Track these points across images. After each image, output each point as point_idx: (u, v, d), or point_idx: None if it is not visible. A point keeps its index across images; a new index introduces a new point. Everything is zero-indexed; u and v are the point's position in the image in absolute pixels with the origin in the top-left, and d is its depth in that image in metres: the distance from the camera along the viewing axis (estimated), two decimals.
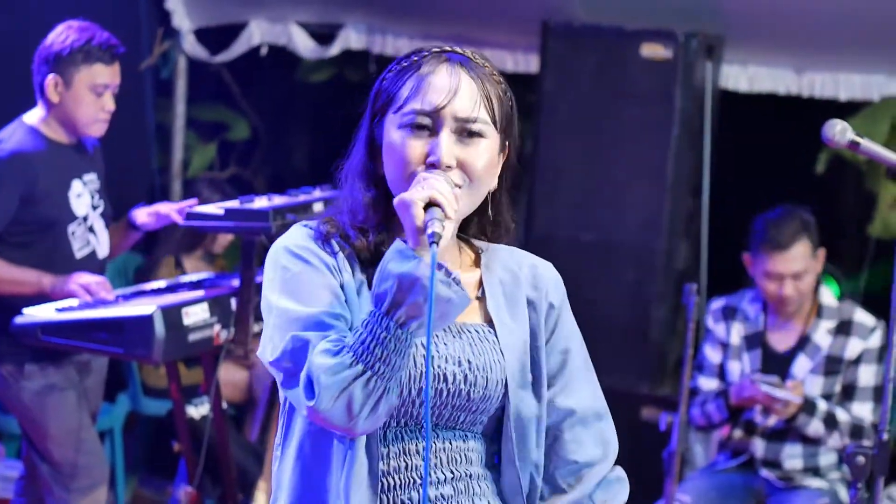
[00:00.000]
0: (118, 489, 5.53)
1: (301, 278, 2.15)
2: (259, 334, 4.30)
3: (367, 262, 2.20)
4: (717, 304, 4.80)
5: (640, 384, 5.50)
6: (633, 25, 5.49)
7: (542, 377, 2.27)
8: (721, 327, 4.74)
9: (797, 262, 4.54)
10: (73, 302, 4.17)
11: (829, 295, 4.67)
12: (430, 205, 2.07)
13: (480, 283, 2.29)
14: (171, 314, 3.99)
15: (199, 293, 4.24)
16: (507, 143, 2.25)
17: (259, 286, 4.23)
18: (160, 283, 4.52)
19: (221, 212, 4.13)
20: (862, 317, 4.62)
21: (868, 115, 5.79)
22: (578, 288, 5.28)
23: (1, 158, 4.18)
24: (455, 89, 2.16)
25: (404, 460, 2.17)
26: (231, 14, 6.62)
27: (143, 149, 6.48)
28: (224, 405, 4.52)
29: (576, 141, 5.61)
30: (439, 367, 2.17)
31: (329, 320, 2.11)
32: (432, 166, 2.14)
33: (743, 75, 5.86)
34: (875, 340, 4.58)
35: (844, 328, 4.61)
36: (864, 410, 4.55)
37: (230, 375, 5.59)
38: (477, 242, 2.33)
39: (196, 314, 4.09)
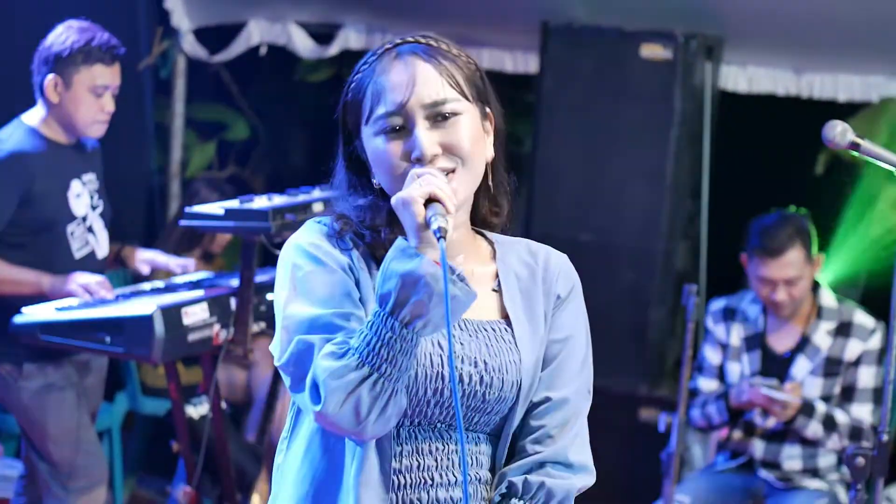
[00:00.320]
0: (116, 489, 5.53)
1: (311, 277, 2.13)
2: (258, 334, 4.31)
3: (383, 259, 2.13)
4: (717, 304, 4.80)
5: (639, 385, 5.50)
6: (632, 26, 5.50)
7: None
8: (721, 328, 4.75)
9: (790, 269, 4.54)
10: (73, 301, 4.17)
11: (828, 296, 4.67)
12: (429, 201, 2.04)
13: (496, 276, 2.26)
14: (171, 314, 3.98)
15: (199, 293, 4.24)
16: (487, 109, 2.22)
17: (259, 286, 4.25)
18: (159, 283, 4.52)
19: (221, 211, 4.13)
20: (862, 318, 4.62)
21: (867, 117, 5.79)
22: None
23: (0, 159, 4.18)
24: (412, 79, 2.13)
25: (417, 459, 2.14)
26: (230, 13, 6.62)
27: (142, 148, 6.48)
28: (223, 405, 4.52)
29: (575, 141, 5.61)
30: (455, 367, 2.12)
31: (338, 321, 2.08)
32: (419, 161, 2.11)
33: (742, 76, 5.87)
34: (875, 342, 4.58)
35: (844, 330, 4.61)
36: (863, 412, 4.55)
37: (229, 375, 5.59)
38: (490, 235, 2.30)
39: (195, 314, 4.08)
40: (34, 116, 4.31)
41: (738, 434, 4.70)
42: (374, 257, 2.18)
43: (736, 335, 4.72)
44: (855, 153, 3.00)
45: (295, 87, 7.08)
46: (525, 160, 5.84)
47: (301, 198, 4.28)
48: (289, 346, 2.09)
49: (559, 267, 2.30)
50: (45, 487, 4.35)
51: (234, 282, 4.33)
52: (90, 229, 4.40)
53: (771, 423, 4.59)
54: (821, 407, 4.51)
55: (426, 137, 2.12)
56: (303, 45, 6.55)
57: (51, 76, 4.24)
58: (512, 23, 6.04)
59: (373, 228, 2.18)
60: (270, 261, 4.20)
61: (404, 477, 2.14)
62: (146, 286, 4.46)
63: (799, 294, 4.58)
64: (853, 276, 5.77)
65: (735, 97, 5.88)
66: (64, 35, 4.26)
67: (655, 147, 5.48)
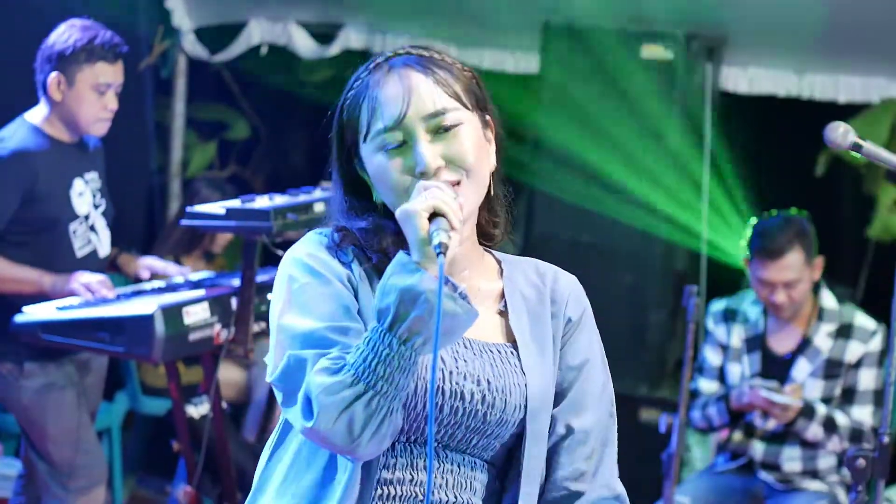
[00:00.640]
0: (116, 488, 5.53)
1: (307, 290, 2.06)
2: (259, 334, 4.31)
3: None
4: (718, 306, 4.80)
5: (639, 386, 5.50)
6: (633, 27, 5.50)
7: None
8: (721, 329, 4.75)
9: (789, 271, 4.54)
10: (74, 301, 4.17)
11: (829, 298, 4.67)
12: (433, 215, 1.97)
13: (502, 295, 2.19)
14: (172, 313, 3.98)
15: (200, 292, 4.24)
16: (486, 117, 2.16)
17: (260, 286, 4.24)
18: (160, 283, 4.52)
19: (223, 211, 4.13)
20: (862, 320, 4.62)
21: (868, 118, 5.79)
22: None
23: (2, 157, 4.18)
24: (408, 92, 2.07)
25: (410, 473, 2.08)
26: (231, 13, 6.62)
27: (143, 148, 6.48)
28: (223, 405, 4.51)
29: (576, 142, 5.61)
30: (457, 383, 2.06)
31: (333, 336, 2.02)
32: (423, 175, 2.05)
33: (743, 77, 5.86)
34: (875, 344, 4.58)
35: (845, 331, 4.61)
36: (863, 414, 4.55)
37: (229, 375, 5.59)
38: (497, 254, 2.24)
39: (196, 313, 4.08)
40: (37, 115, 4.31)
41: (738, 435, 4.70)
42: (378, 272, 2.09)
43: (736, 336, 4.72)
44: (857, 154, 3.00)
45: (296, 86, 7.08)
46: (525, 160, 5.84)
47: (302, 197, 4.28)
48: (281, 362, 2.03)
49: (569, 289, 2.24)
50: (45, 487, 4.35)
51: (235, 281, 4.33)
52: (92, 228, 4.40)
53: (771, 424, 4.59)
54: (821, 409, 4.51)
55: (428, 151, 2.05)
56: (303, 44, 6.55)
57: (54, 74, 4.24)
58: (513, 23, 6.04)
59: (381, 251, 2.11)
60: (272, 261, 4.20)
61: (395, 489, 2.07)
62: (147, 286, 4.46)
63: (798, 296, 4.58)
64: None
65: (736, 98, 5.88)
66: (67, 33, 4.26)
67: (656, 148, 5.48)
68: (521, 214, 5.67)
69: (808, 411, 4.49)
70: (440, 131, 2.07)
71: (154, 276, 4.80)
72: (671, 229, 5.49)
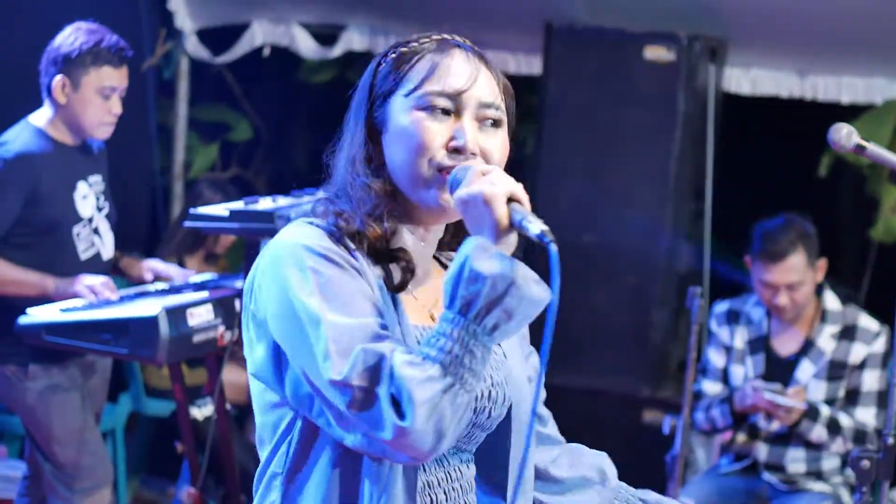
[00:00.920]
0: (120, 490, 5.53)
1: (337, 283, 1.91)
2: None
3: (381, 255, 2.02)
4: (721, 307, 4.80)
5: (642, 387, 5.50)
6: (636, 28, 5.50)
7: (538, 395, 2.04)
8: (725, 331, 4.74)
9: (792, 274, 4.54)
10: (78, 302, 4.17)
11: (833, 300, 4.67)
12: (509, 201, 1.90)
13: None
14: (176, 315, 3.99)
15: (204, 294, 4.24)
16: (510, 140, 2.12)
17: None
18: (164, 284, 4.52)
19: (226, 213, 4.12)
20: (866, 322, 4.62)
21: (870, 119, 5.79)
22: (580, 290, 5.32)
23: (6, 159, 4.18)
24: (476, 74, 2.03)
25: (448, 482, 2.04)
26: (233, 15, 6.62)
27: (145, 149, 6.48)
28: (227, 406, 4.52)
29: (578, 143, 5.61)
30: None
31: (383, 331, 1.88)
32: (456, 151, 1.99)
33: (746, 78, 5.87)
34: (879, 345, 4.58)
35: (848, 333, 4.61)
36: (867, 415, 4.55)
37: (233, 376, 5.57)
38: (444, 258, 2.18)
39: (200, 315, 4.08)
40: (41, 117, 4.31)
41: (741, 437, 4.69)
42: (372, 254, 2.01)
43: (740, 338, 4.72)
44: (860, 156, 3.00)
45: (298, 88, 7.09)
46: (528, 161, 5.85)
47: (305, 199, 4.28)
48: (348, 357, 1.84)
49: None
50: (50, 488, 4.35)
51: (239, 283, 4.33)
52: (96, 231, 4.40)
53: (775, 426, 4.59)
54: (825, 410, 4.51)
55: (473, 132, 2.01)
56: (306, 46, 6.55)
57: (59, 77, 4.24)
58: (515, 24, 6.04)
59: (373, 217, 2.01)
60: None
61: (436, 493, 2.02)
62: (151, 288, 4.47)
63: (801, 298, 4.58)
64: None
65: (738, 99, 5.88)
66: (73, 36, 4.26)
67: (659, 149, 5.48)
68: None
69: (811, 413, 4.48)
70: (486, 123, 2.04)
71: (157, 278, 4.81)
72: (674, 230, 5.49)
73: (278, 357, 1.96)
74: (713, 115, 5.59)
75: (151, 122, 6.48)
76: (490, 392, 2.04)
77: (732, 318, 4.76)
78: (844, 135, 2.98)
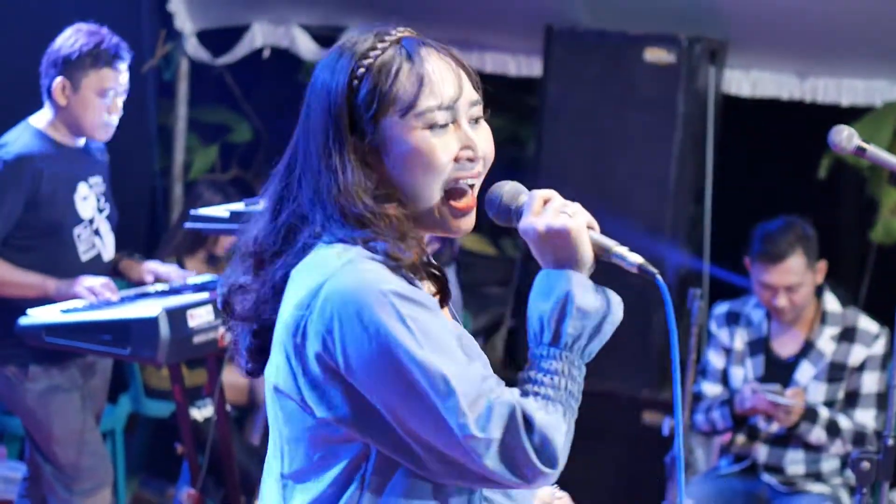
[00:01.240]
0: (119, 491, 5.52)
1: (434, 328, 1.87)
2: None
3: (419, 274, 1.97)
4: (721, 309, 4.80)
5: (642, 389, 5.50)
6: (636, 30, 5.50)
7: None
8: (724, 332, 4.75)
9: (791, 275, 4.54)
10: (78, 303, 4.17)
11: (833, 301, 4.67)
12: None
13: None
14: (176, 316, 3.99)
15: (204, 295, 4.24)
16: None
17: None
18: (164, 286, 4.52)
19: (226, 214, 4.13)
20: (866, 324, 4.62)
21: (870, 121, 5.79)
22: None
23: (7, 161, 4.18)
24: (459, 74, 1.98)
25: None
26: (233, 16, 6.62)
27: (145, 151, 6.48)
28: (227, 407, 4.52)
29: (578, 145, 5.61)
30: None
31: (486, 371, 1.89)
32: (470, 161, 1.97)
33: (746, 80, 5.87)
34: (879, 347, 4.58)
35: (848, 335, 4.61)
36: (866, 417, 4.55)
37: (233, 378, 5.58)
38: None
39: (201, 316, 4.08)
40: (41, 119, 4.31)
41: (741, 438, 4.70)
42: (415, 274, 1.96)
43: (740, 340, 4.72)
44: (860, 158, 3.00)
45: (298, 89, 7.03)
46: (528, 163, 5.85)
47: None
48: (481, 412, 1.83)
49: None
50: (50, 489, 4.35)
51: None
52: (97, 232, 4.40)
53: (774, 427, 4.59)
54: (824, 412, 4.51)
55: (475, 137, 1.98)
56: (306, 47, 6.56)
57: (59, 79, 4.24)
58: (515, 26, 6.05)
59: (412, 239, 1.96)
60: None
61: None
62: (151, 289, 4.47)
63: (800, 300, 4.58)
64: None
65: (739, 101, 5.88)
66: (73, 38, 4.26)
67: (659, 151, 5.48)
68: None
69: (811, 414, 4.49)
70: (475, 121, 2.00)
71: (157, 279, 4.81)
72: (674, 232, 5.48)
73: (364, 405, 1.88)
74: (713, 116, 5.59)
75: (151, 123, 6.48)
76: None
77: (732, 319, 4.76)
78: (845, 137, 2.98)
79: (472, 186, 2.00)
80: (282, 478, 1.99)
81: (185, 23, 6.49)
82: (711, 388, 4.74)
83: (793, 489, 4.61)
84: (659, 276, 1.94)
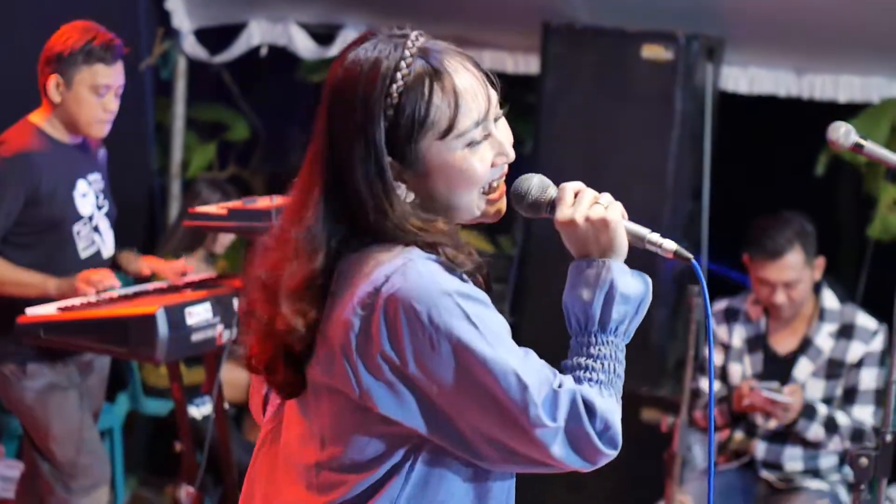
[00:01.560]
0: (117, 489, 5.53)
1: (497, 325, 1.94)
2: None
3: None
4: (719, 305, 4.80)
5: (640, 385, 5.49)
6: (633, 27, 5.49)
7: None
8: (723, 329, 4.75)
9: (789, 272, 4.55)
10: (76, 301, 4.17)
11: (831, 298, 4.67)
12: None
13: None
14: (175, 314, 3.99)
15: (202, 293, 4.24)
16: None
17: None
18: (162, 283, 4.52)
19: (225, 212, 4.13)
20: (864, 320, 4.63)
21: (868, 117, 5.78)
22: None
23: (6, 158, 4.18)
24: (484, 83, 2.02)
25: None
26: (231, 14, 6.62)
27: (143, 149, 6.48)
28: (226, 405, 4.52)
29: (576, 142, 5.61)
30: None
31: (542, 360, 1.97)
32: (503, 162, 2.04)
33: (743, 77, 5.86)
34: (877, 344, 4.59)
35: (846, 331, 4.61)
36: (865, 414, 4.56)
37: (231, 375, 5.58)
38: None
39: (199, 314, 4.08)
40: (39, 117, 4.32)
41: (739, 435, 4.70)
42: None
43: (738, 336, 4.73)
44: (858, 154, 3.01)
45: (296, 87, 7.08)
46: (526, 161, 5.85)
47: None
48: (549, 402, 1.91)
49: None
50: (48, 488, 4.35)
51: (238, 282, 4.33)
52: (96, 229, 4.41)
53: (772, 424, 4.59)
54: (822, 409, 4.51)
55: (505, 141, 2.05)
56: (304, 45, 6.56)
57: (53, 76, 4.25)
58: (513, 23, 6.04)
59: (467, 270, 2.00)
60: None
61: None
62: (150, 286, 4.47)
63: (798, 297, 4.59)
64: None
65: (736, 98, 5.87)
66: (65, 35, 4.27)
67: (656, 148, 5.47)
68: (520, 215, 5.66)
69: (809, 411, 4.49)
70: (497, 120, 2.05)
71: (155, 273, 4.81)
72: (672, 229, 5.48)
73: (429, 402, 1.94)
74: (710, 113, 5.58)
75: (149, 121, 6.48)
76: None
77: (730, 315, 4.76)
78: (843, 133, 2.98)
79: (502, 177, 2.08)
80: (316, 466, 2.02)
81: (182, 21, 6.49)
82: (707, 385, 4.74)
83: (791, 485, 4.62)
84: (694, 261, 2.05)
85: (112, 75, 4.30)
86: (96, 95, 4.27)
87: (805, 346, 4.63)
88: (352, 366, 1.94)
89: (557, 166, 5.62)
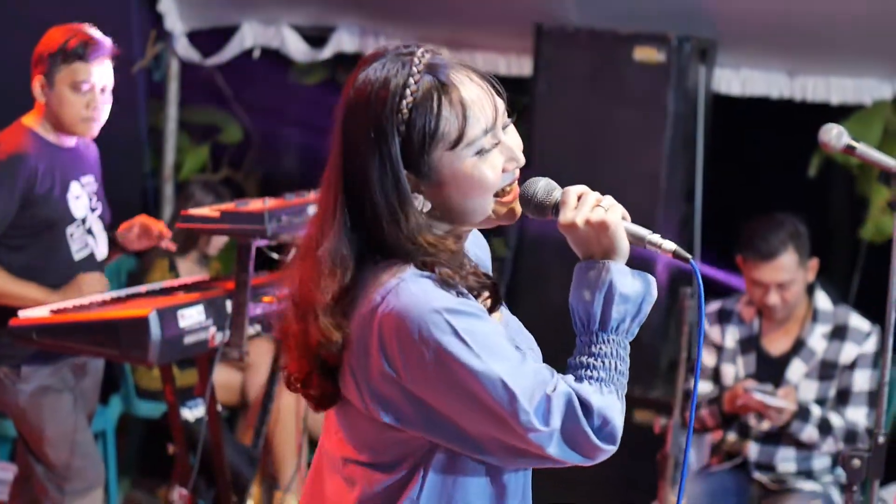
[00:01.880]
0: (110, 491, 5.53)
1: (489, 335, 2.00)
2: (254, 337, 4.30)
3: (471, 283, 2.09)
4: (712, 307, 4.81)
5: (633, 387, 5.49)
6: (626, 29, 5.50)
7: None
8: (716, 330, 4.75)
9: (782, 273, 4.55)
10: (69, 303, 4.17)
11: (824, 299, 4.67)
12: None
13: None
14: (167, 316, 3.98)
15: (195, 295, 4.23)
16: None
17: (254, 289, 4.23)
18: (155, 286, 4.51)
19: (217, 214, 4.13)
20: (857, 322, 4.63)
21: (860, 119, 5.79)
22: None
23: (1, 161, 4.18)
24: (489, 91, 2.09)
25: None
26: (223, 16, 6.62)
27: (135, 151, 6.48)
28: (218, 408, 4.51)
29: (568, 144, 5.61)
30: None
31: (538, 364, 2.04)
32: (513, 167, 2.12)
33: (736, 79, 5.87)
34: (870, 345, 4.59)
35: (839, 333, 4.62)
36: (858, 415, 4.56)
37: (224, 378, 5.58)
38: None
39: (191, 316, 4.07)
40: (33, 119, 4.31)
41: (732, 436, 4.70)
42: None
43: (730, 337, 4.73)
44: (850, 156, 3.01)
45: (288, 89, 7.09)
46: None
47: (297, 200, 4.28)
48: (541, 406, 1.97)
49: None
50: (41, 490, 4.35)
51: (230, 285, 4.33)
52: (89, 231, 4.40)
53: (766, 425, 4.60)
54: (815, 411, 4.52)
55: (515, 146, 2.13)
56: (296, 47, 6.55)
57: (38, 77, 4.26)
58: (505, 25, 6.04)
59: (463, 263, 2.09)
60: (266, 264, 4.21)
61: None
62: (142, 288, 4.46)
63: (791, 298, 4.59)
64: None
65: (728, 100, 5.88)
66: (48, 37, 4.28)
67: (649, 150, 5.48)
68: None
69: (802, 413, 4.49)
70: (506, 127, 2.13)
71: (150, 269, 4.76)
72: (664, 231, 5.49)
73: (429, 412, 2.02)
74: (703, 115, 5.59)
75: (141, 123, 6.48)
76: None
77: (723, 317, 4.77)
78: (835, 135, 2.99)
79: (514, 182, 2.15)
80: (345, 461, 2.14)
81: (175, 23, 6.49)
82: (702, 386, 4.75)
83: (784, 487, 4.62)
84: (693, 261, 2.11)
85: (93, 72, 4.26)
86: (77, 93, 4.25)
87: (798, 347, 4.64)
88: (357, 381, 2.05)
89: (550, 168, 5.57)
